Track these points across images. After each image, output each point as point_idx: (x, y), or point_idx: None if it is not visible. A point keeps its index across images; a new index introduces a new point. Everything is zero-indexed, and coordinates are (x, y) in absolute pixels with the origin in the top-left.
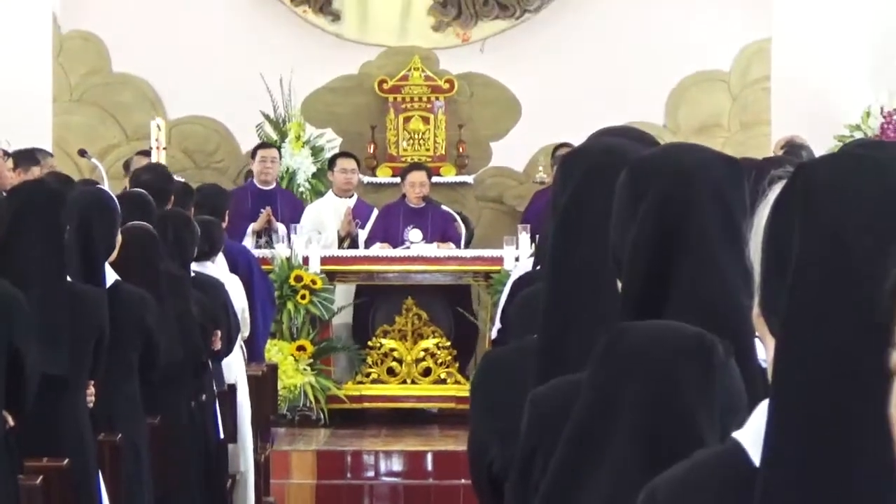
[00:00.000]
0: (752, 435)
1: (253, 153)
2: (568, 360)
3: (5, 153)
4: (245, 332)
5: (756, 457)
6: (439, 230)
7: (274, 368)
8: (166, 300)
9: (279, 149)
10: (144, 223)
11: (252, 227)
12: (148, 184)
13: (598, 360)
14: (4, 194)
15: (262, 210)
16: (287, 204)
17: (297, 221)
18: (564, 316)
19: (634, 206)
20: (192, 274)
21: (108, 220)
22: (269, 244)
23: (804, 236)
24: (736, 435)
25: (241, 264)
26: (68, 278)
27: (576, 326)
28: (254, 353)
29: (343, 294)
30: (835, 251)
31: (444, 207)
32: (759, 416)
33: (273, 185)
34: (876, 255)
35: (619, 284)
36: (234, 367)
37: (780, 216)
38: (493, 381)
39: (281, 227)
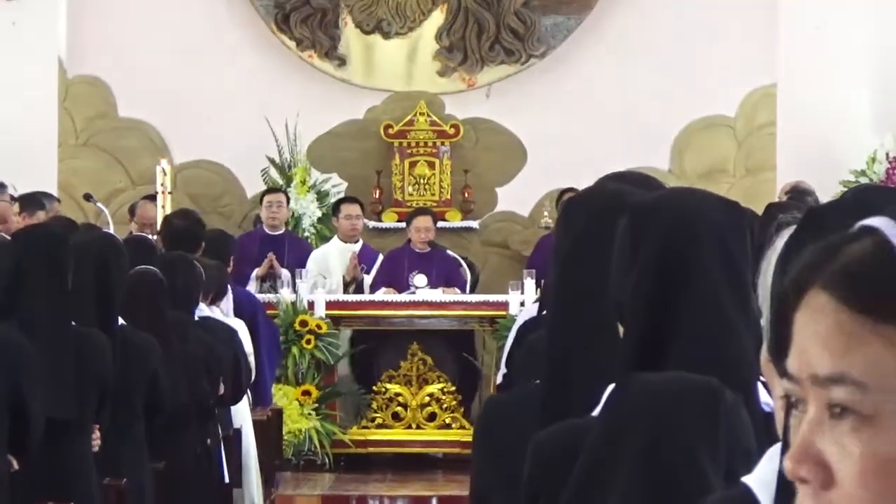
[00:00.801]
0: (761, 480)
1: (261, 198)
2: (571, 407)
3: (11, 197)
4: (250, 377)
5: (766, 502)
6: (444, 275)
7: (279, 413)
8: (172, 344)
9: (286, 193)
10: (151, 267)
11: (255, 272)
12: (179, 229)
13: (607, 409)
14: (9, 238)
15: (267, 256)
16: (295, 249)
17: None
18: (567, 363)
19: (635, 251)
20: (198, 318)
21: (122, 265)
22: (273, 289)
23: None
24: (745, 480)
25: (246, 309)
26: (73, 322)
27: (579, 374)
28: (260, 397)
29: (348, 339)
30: None
31: (449, 252)
32: (769, 460)
33: (282, 230)
34: None
35: (621, 330)
36: (240, 411)
37: (790, 261)
38: (495, 427)
39: (285, 273)
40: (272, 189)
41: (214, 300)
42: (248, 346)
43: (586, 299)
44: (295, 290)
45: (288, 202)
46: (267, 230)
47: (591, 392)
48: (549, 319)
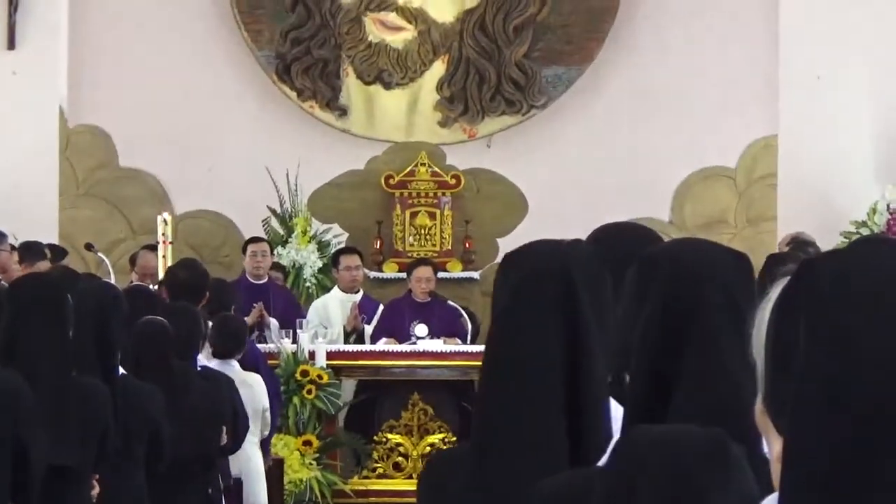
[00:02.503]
0: None
1: (244, 248)
2: (500, 458)
3: (12, 247)
4: (266, 431)
5: None
6: (445, 325)
7: (280, 463)
8: (176, 394)
9: (270, 243)
10: (158, 318)
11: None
12: (184, 280)
13: (614, 461)
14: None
15: (254, 305)
16: (280, 298)
17: (291, 315)
18: (496, 418)
19: (641, 301)
20: (200, 368)
21: (122, 315)
22: (262, 339)
23: (810, 333)
24: None
25: (248, 359)
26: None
27: (510, 426)
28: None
29: (350, 389)
30: (841, 348)
31: (450, 303)
32: None
33: (265, 279)
34: (883, 352)
35: (627, 378)
36: (253, 462)
37: (785, 312)
38: (434, 482)
39: (273, 322)
40: (256, 238)
41: (233, 353)
42: (264, 401)
43: (518, 357)
44: (295, 341)
45: (272, 251)
46: (251, 279)
47: (520, 447)
48: (481, 378)
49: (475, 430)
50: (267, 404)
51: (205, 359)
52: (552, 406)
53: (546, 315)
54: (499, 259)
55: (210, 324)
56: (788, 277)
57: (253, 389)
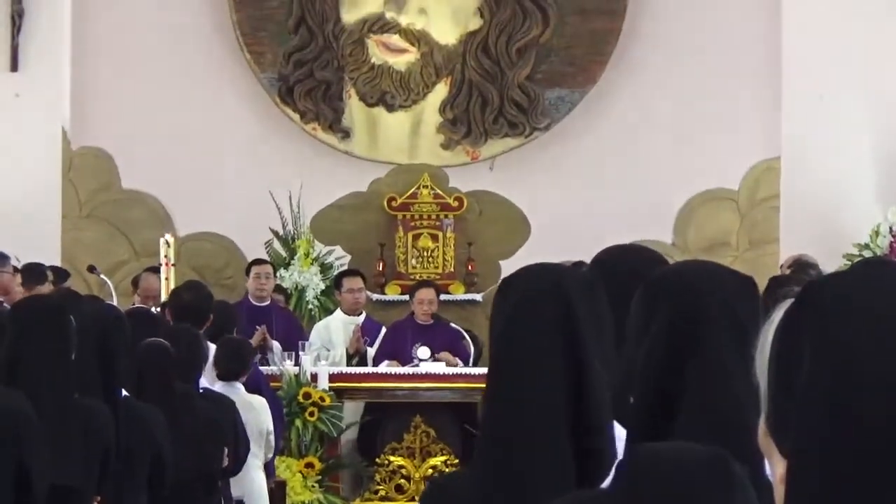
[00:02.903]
0: None
1: (247, 270)
2: (506, 481)
3: (14, 269)
4: (269, 453)
5: None
6: (447, 348)
7: (282, 485)
8: (178, 416)
9: (274, 265)
10: (160, 339)
11: None
12: (188, 303)
13: (619, 482)
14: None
15: (256, 327)
16: (282, 321)
17: (293, 338)
18: (501, 441)
19: (647, 321)
20: (202, 390)
21: (124, 337)
22: (265, 362)
23: (814, 355)
24: None
25: (250, 381)
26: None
27: (515, 452)
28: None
29: (351, 411)
30: (845, 370)
31: (452, 325)
32: None
33: (268, 302)
34: (886, 373)
35: (632, 399)
36: (256, 484)
37: (789, 333)
38: None
39: (276, 345)
40: (260, 260)
41: (238, 375)
42: (268, 423)
43: (519, 383)
44: (298, 363)
45: (275, 273)
46: (253, 301)
47: (533, 479)
48: (483, 406)
49: (480, 452)
50: (271, 427)
51: (208, 381)
52: (557, 428)
53: (546, 336)
54: None
55: (212, 346)
56: (791, 299)
57: (257, 412)
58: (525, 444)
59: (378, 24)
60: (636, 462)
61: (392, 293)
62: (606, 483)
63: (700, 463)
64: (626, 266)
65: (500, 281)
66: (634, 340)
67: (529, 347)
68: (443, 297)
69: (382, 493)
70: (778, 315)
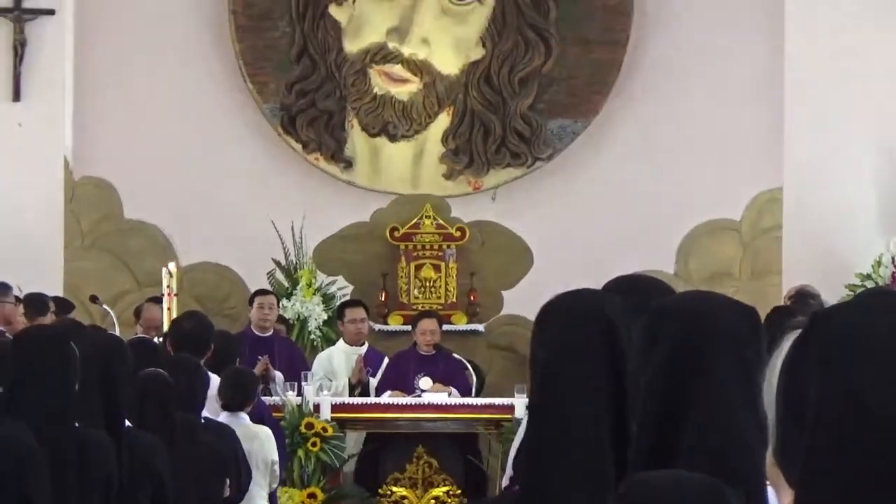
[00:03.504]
0: None
1: (250, 300)
2: (554, 498)
3: (17, 299)
4: (274, 484)
5: None
6: (450, 378)
7: None
8: (180, 446)
9: (277, 295)
10: (159, 370)
11: None
12: (188, 332)
13: None
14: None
15: (259, 357)
16: (285, 351)
17: (296, 368)
18: (546, 466)
19: (650, 349)
20: (203, 420)
21: (127, 367)
22: (267, 392)
23: (822, 386)
24: None
25: (253, 412)
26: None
27: (557, 477)
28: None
29: (354, 441)
30: (852, 400)
31: (454, 355)
32: None
33: (271, 332)
34: (892, 403)
35: (634, 427)
36: None
37: (796, 366)
38: None
39: (279, 375)
40: (263, 291)
41: (242, 406)
42: (272, 454)
43: (563, 409)
44: (300, 393)
45: (278, 303)
46: (256, 331)
47: (571, 499)
48: (527, 430)
49: (527, 472)
50: (276, 457)
51: (211, 411)
52: (603, 440)
53: (591, 352)
54: (504, 311)
55: (214, 376)
56: (798, 330)
57: (262, 442)
58: (571, 459)
59: (380, 55)
60: (632, 490)
61: (394, 323)
62: None
63: (694, 492)
64: (634, 297)
65: (540, 309)
66: (637, 369)
67: (578, 361)
68: (445, 327)
69: None
70: (785, 346)
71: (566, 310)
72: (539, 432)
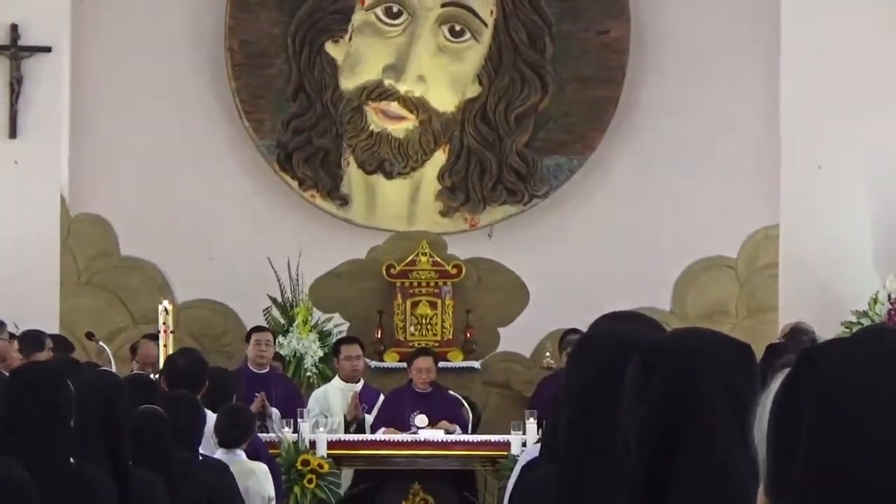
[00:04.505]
0: None
1: (247, 336)
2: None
3: (11, 335)
4: None
5: None
6: (446, 415)
7: None
8: (176, 483)
9: (273, 332)
10: (156, 407)
11: None
12: (182, 369)
13: None
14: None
15: (255, 394)
16: (282, 388)
17: (292, 405)
18: (579, 498)
19: (644, 389)
20: (200, 457)
21: (126, 403)
22: (264, 429)
23: (812, 422)
24: None
25: (249, 448)
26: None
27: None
28: None
29: (350, 478)
30: (843, 437)
31: (450, 392)
32: None
33: (267, 369)
34: (885, 440)
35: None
36: None
37: (787, 401)
38: None
39: (275, 412)
40: (260, 327)
41: (238, 442)
42: (269, 490)
43: (600, 444)
44: (297, 430)
45: (275, 340)
46: (253, 368)
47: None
48: (561, 463)
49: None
50: (273, 493)
51: (207, 448)
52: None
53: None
54: (500, 348)
55: (210, 413)
56: (788, 368)
57: (259, 478)
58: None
59: (377, 92)
60: None
61: (390, 360)
62: None
63: None
64: (621, 334)
65: (574, 344)
66: (630, 406)
67: (610, 404)
68: (441, 364)
69: None
70: (776, 384)
71: (605, 346)
72: (572, 468)
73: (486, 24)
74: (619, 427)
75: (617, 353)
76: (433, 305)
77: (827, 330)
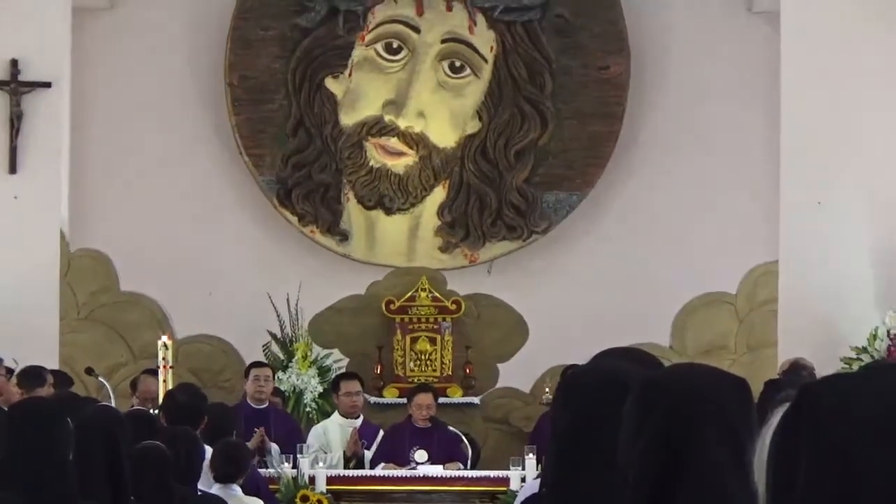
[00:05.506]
0: None
1: (246, 372)
2: None
3: (8, 370)
4: None
5: None
6: (446, 451)
7: None
8: None
9: (273, 368)
10: (157, 443)
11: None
12: (182, 404)
13: None
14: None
15: (255, 430)
16: (281, 423)
17: (292, 441)
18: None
19: (641, 423)
20: (199, 493)
21: (128, 438)
22: (263, 464)
23: (811, 456)
24: None
25: (248, 484)
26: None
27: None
28: None
29: None
30: (843, 472)
31: (450, 428)
32: None
33: (266, 404)
34: (883, 474)
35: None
36: None
37: (786, 437)
38: None
39: (274, 447)
40: (259, 363)
41: (234, 477)
42: None
43: (584, 478)
44: (296, 465)
45: (274, 376)
46: (252, 404)
47: None
48: (548, 497)
49: None
50: None
51: (204, 483)
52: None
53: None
54: (499, 384)
55: (208, 448)
56: (787, 404)
57: None
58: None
59: (376, 128)
60: None
61: (390, 396)
62: None
63: None
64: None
65: (563, 379)
66: (628, 441)
67: (596, 440)
68: (441, 399)
69: None
70: (776, 419)
71: (594, 380)
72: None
73: (486, 60)
74: (616, 461)
75: (604, 390)
76: (433, 341)
77: (826, 366)
